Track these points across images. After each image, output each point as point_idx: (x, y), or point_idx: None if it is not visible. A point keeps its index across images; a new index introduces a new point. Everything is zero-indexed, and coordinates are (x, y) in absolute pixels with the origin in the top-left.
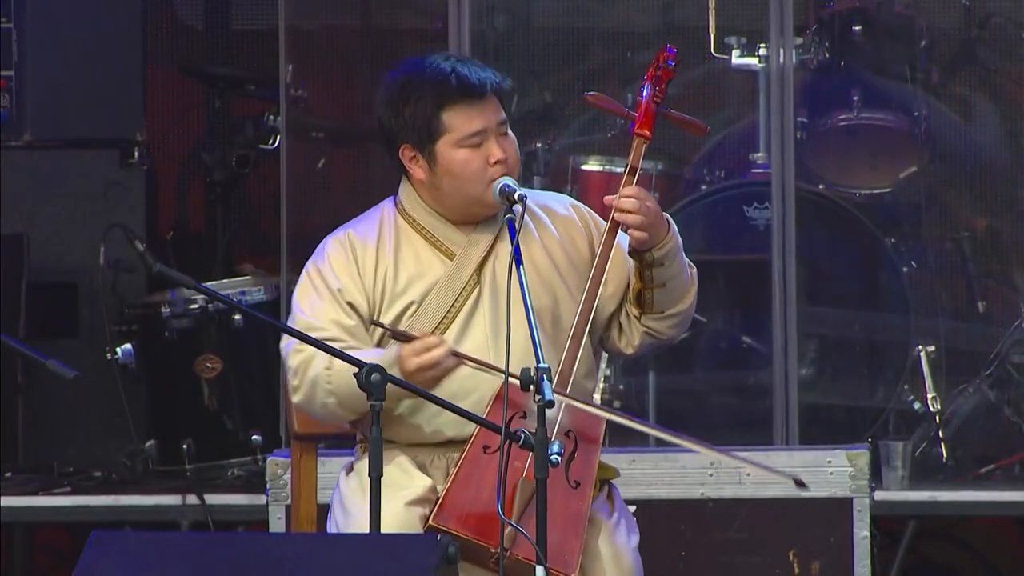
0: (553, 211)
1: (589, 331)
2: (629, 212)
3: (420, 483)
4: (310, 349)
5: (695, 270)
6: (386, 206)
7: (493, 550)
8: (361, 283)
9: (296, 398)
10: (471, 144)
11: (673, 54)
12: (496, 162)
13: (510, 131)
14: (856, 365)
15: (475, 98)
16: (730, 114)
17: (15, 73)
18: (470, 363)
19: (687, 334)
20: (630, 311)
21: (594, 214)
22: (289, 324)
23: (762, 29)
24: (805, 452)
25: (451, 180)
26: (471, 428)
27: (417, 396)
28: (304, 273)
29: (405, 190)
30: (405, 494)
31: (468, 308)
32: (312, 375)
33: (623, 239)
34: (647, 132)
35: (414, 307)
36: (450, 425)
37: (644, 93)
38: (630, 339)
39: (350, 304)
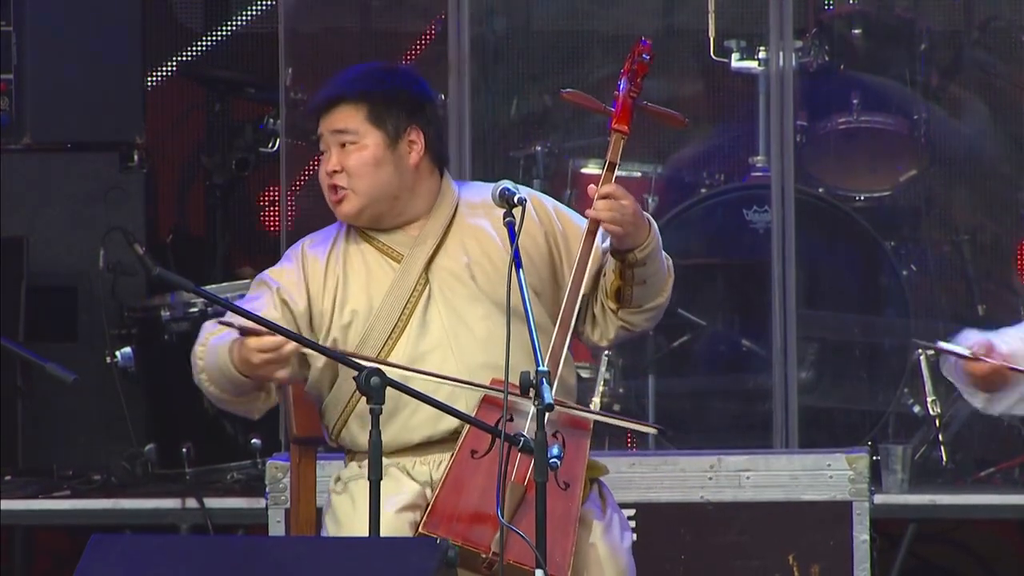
0: None
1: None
2: (602, 210)
3: (409, 488)
4: (204, 334)
5: (671, 261)
6: None
7: (484, 555)
8: (306, 287)
9: (194, 377)
10: None
11: (647, 47)
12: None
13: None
14: (856, 368)
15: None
16: (729, 117)
17: (15, 76)
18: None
19: (686, 337)
20: (607, 304)
21: (559, 206)
22: None
23: (762, 32)
24: (805, 456)
25: None
26: (444, 426)
27: (408, 396)
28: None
29: None
30: (394, 500)
31: (421, 308)
32: (194, 351)
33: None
34: (625, 127)
35: (357, 316)
36: (422, 426)
37: (620, 88)
38: (604, 332)
39: (284, 301)
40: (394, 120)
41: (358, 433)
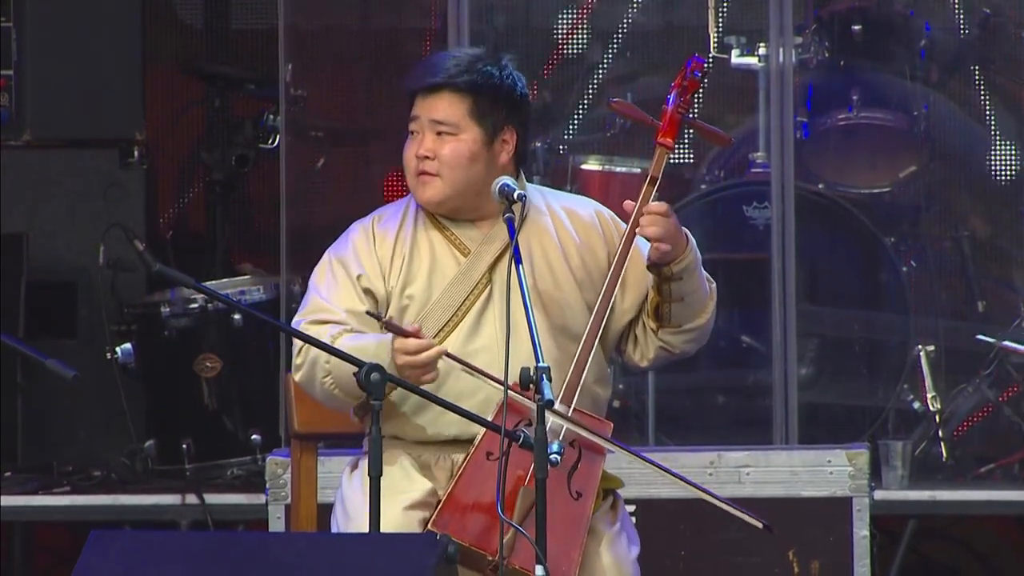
0: (576, 214)
1: (602, 339)
2: (648, 226)
3: (420, 486)
4: (318, 328)
5: (714, 285)
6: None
7: (490, 558)
8: (380, 270)
9: (298, 376)
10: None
11: (701, 64)
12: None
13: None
14: (856, 365)
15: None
16: (729, 114)
17: (15, 73)
18: (466, 370)
19: None
20: (647, 324)
21: (618, 221)
22: (304, 301)
23: (762, 28)
24: (804, 452)
25: None
26: (476, 428)
27: (420, 396)
28: (326, 254)
29: None
30: (404, 498)
31: (479, 306)
32: (313, 354)
33: (643, 248)
34: (670, 141)
35: (414, 301)
36: (456, 423)
37: (669, 102)
38: (644, 352)
39: (367, 290)
40: (494, 117)
41: (385, 418)
